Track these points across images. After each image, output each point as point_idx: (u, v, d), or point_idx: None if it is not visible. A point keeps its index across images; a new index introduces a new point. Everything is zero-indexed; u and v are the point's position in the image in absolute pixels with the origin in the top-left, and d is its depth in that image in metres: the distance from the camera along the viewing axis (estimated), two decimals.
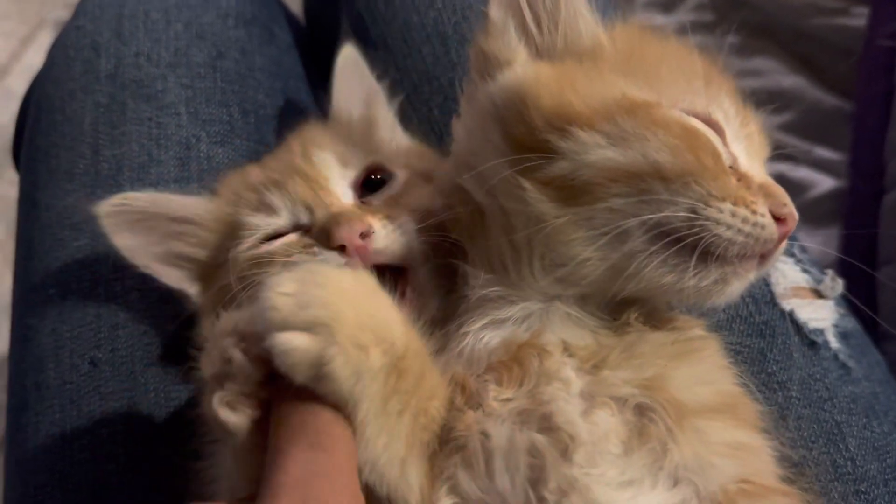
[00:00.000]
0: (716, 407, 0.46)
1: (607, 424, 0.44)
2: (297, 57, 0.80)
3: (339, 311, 0.38)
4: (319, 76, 0.80)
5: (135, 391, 0.60)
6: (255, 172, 0.57)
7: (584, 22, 0.50)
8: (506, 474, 0.42)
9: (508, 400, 0.44)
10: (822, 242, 0.87)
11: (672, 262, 0.45)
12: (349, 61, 0.64)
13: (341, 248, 0.48)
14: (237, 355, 0.39)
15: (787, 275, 0.64)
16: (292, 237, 0.51)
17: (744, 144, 0.49)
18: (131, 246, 0.57)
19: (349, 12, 0.77)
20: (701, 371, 0.48)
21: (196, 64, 0.71)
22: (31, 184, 0.70)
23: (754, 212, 0.45)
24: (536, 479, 0.42)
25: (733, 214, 0.44)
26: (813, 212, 0.89)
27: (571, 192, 0.46)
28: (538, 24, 0.51)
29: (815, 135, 0.92)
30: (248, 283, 0.49)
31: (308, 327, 0.37)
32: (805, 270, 0.66)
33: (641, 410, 0.45)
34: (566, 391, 0.44)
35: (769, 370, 0.60)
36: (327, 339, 0.37)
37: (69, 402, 0.60)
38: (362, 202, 0.53)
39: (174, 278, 0.58)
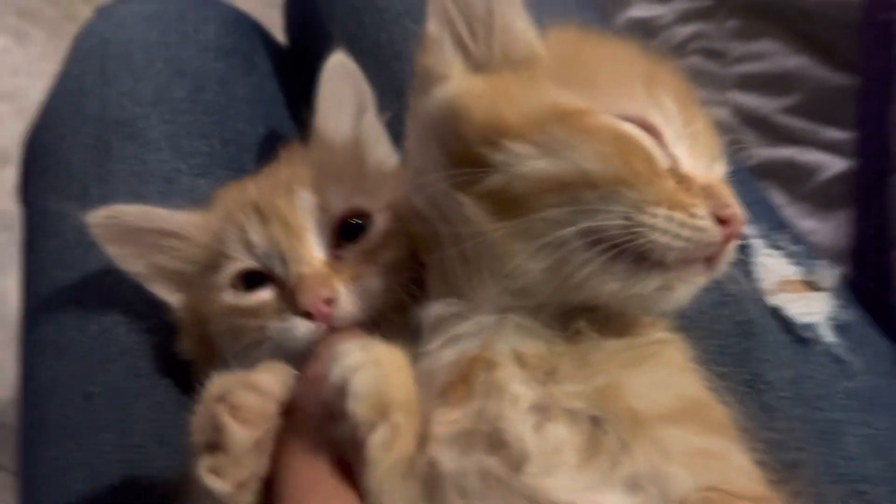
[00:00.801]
0: (675, 413, 0.45)
1: (560, 437, 0.43)
2: (277, 83, 0.82)
3: (393, 396, 0.42)
4: (304, 99, 0.81)
5: (127, 422, 0.62)
6: (250, 188, 0.58)
7: (520, 30, 0.49)
8: (458, 498, 0.42)
9: (455, 421, 0.44)
10: (835, 227, 0.83)
11: (612, 270, 0.44)
12: (337, 68, 0.63)
13: (307, 314, 0.51)
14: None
15: (774, 269, 0.61)
16: (267, 296, 0.53)
17: (686, 144, 0.47)
18: (120, 255, 0.60)
19: (324, 34, 0.78)
20: (658, 377, 0.46)
21: (177, 99, 0.73)
22: (29, 229, 0.73)
23: (693, 215, 0.43)
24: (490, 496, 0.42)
25: (669, 219, 0.43)
26: (824, 195, 0.85)
27: (508, 204, 0.45)
28: (474, 37, 0.50)
29: (822, 116, 0.87)
30: (227, 334, 0.54)
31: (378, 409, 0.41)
32: (796, 263, 0.63)
33: (595, 422, 0.44)
34: (515, 406, 0.44)
35: (755, 370, 0.58)
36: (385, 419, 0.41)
37: (67, 437, 0.63)
38: (336, 255, 0.54)
39: (159, 289, 0.61)
